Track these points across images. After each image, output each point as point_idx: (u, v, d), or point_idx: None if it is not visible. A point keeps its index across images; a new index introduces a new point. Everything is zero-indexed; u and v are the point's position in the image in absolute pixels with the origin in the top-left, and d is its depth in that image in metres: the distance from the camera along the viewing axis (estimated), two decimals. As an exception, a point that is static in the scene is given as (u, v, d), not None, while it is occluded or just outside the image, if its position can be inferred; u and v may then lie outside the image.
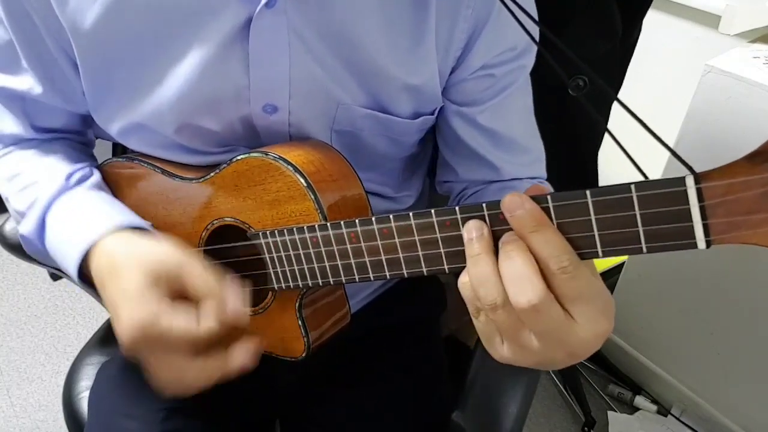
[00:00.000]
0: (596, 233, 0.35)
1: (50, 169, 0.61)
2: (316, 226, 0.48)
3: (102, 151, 0.72)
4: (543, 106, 0.70)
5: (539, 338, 0.37)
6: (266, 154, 0.53)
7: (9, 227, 0.82)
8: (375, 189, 0.68)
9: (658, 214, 0.33)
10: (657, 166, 1.09)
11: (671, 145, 0.36)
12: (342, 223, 0.46)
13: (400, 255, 0.43)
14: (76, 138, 0.68)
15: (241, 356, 0.49)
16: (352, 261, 0.47)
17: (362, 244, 0.45)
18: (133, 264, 0.48)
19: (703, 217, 0.32)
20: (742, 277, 1.15)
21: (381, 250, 0.44)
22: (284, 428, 0.77)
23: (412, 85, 0.59)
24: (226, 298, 0.47)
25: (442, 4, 0.56)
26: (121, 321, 0.47)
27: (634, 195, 0.34)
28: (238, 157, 0.54)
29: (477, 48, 0.59)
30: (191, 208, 0.59)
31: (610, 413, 1.43)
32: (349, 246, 0.46)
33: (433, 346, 0.80)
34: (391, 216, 0.43)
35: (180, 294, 0.48)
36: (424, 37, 0.57)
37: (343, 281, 0.48)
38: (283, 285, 0.53)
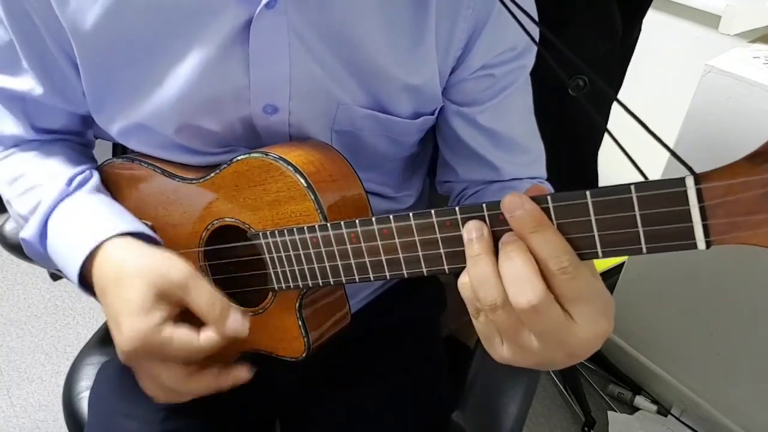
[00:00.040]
0: (596, 234, 0.35)
1: (51, 172, 0.61)
2: (316, 226, 0.48)
3: (102, 151, 0.72)
4: (543, 106, 0.70)
5: (539, 339, 0.37)
6: (266, 155, 0.53)
7: (9, 227, 0.82)
8: (375, 189, 0.68)
9: (658, 215, 0.33)
10: (657, 166, 1.09)
11: (671, 145, 0.36)
12: (342, 223, 0.46)
13: (400, 255, 0.43)
14: (75, 139, 0.68)
15: (234, 377, 0.52)
16: (352, 261, 0.47)
17: (362, 244, 0.45)
18: (140, 275, 0.49)
19: (703, 217, 0.32)
20: (742, 277, 1.15)
21: (381, 251, 0.44)
22: (284, 428, 0.77)
23: (412, 85, 0.59)
24: (227, 317, 0.49)
25: (442, 4, 0.56)
26: (122, 331, 0.48)
27: (634, 195, 0.34)
28: (238, 158, 0.54)
29: (477, 48, 0.59)
30: (191, 209, 0.59)
31: (610, 413, 1.43)
32: (349, 246, 0.46)
33: (433, 346, 0.80)
34: (391, 216, 0.43)
35: (182, 308, 0.49)
36: (424, 37, 0.57)
37: (343, 281, 0.49)
38: (283, 285, 0.53)
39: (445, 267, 0.42)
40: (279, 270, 0.53)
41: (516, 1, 0.45)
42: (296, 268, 0.51)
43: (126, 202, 0.62)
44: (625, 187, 0.34)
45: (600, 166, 1.15)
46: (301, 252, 0.50)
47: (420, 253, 0.42)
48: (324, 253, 0.48)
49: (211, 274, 0.61)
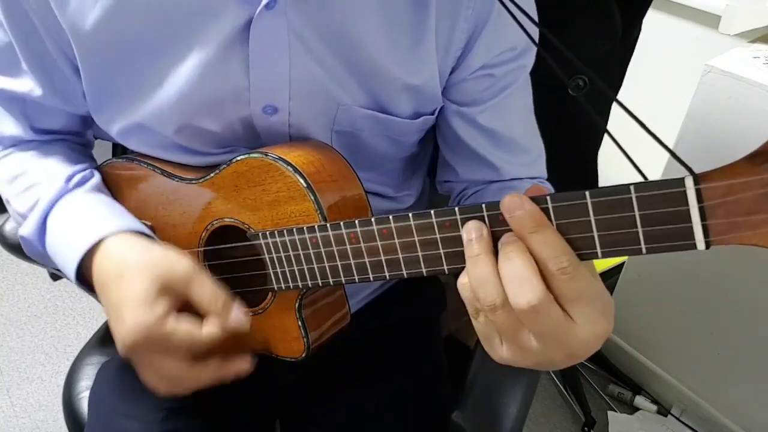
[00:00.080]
0: (596, 234, 0.35)
1: (50, 171, 0.61)
2: (316, 226, 0.48)
3: (102, 151, 0.72)
4: (543, 106, 0.70)
5: (539, 339, 0.37)
6: (266, 155, 0.53)
7: (9, 227, 0.82)
8: (375, 189, 0.68)
9: (657, 215, 0.33)
10: (657, 166, 1.09)
11: (671, 145, 0.36)
12: (342, 223, 0.46)
13: (400, 256, 0.43)
14: (75, 139, 0.68)
15: (236, 367, 0.52)
16: (352, 262, 0.47)
17: (362, 244, 0.45)
18: (142, 269, 0.49)
19: (703, 218, 0.32)
20: (742, 277, 1.15)
21: (380, 251, 0.44)
22: (284, 428, 0.77)
23: (412, 85, 0.59)
24: (229, 310, 0.49)
25: (442, 4, 0.56)
26: (125, 322, 0.48)
27: (634, 196, 0.34)
28: (238, 158, 0.54)
29: (477, 48, 0.59)
30: (191, 209, 0.59)
31: (610, 413, 1.43)
32: (348, 247, 0.46)
33: (433, 346, 0.80)
34: (390, 217, 0.43)
35: (184, 303, 0.49)
36: (424, 37, 0.57)
37: (343, 282, 0.49)
38: (282, 285, 0.53)
39: (445, 267, 0.42)
40: (278, 270, 0.53)
41: (516, 2, 0.45)
42: (296, 268, 0.51)
43: (126, 202, 0.62)
44: (624, 188, 0.34)
45: (600, 166, 1.15)
46: (301, 252, 0.50)
47: (419, 254, 0.42)
48: (323, 254, 0.48)
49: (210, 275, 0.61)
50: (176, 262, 0.50)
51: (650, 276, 1.34)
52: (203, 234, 0.59)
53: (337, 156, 0.56)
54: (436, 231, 0.41)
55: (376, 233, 0.44)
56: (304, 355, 0.57)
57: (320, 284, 0.50)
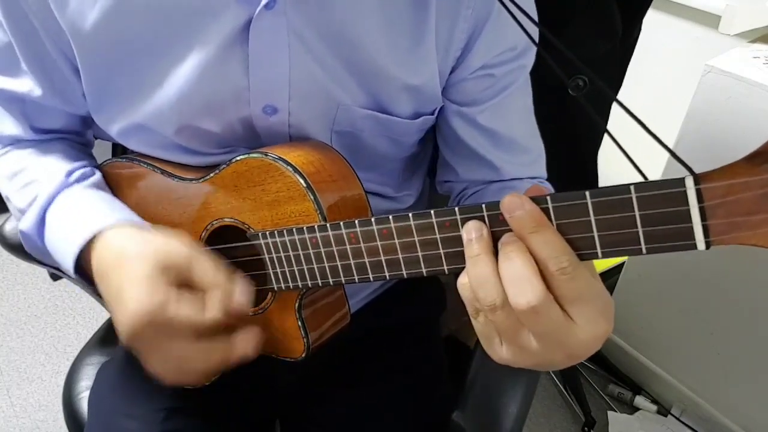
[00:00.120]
0: (596, 234, 0.35)
1: (50, 166, 0.61)
2: (316, 226, 0.48)
3: (102, 151, 0.72)
4: (543, 106, 0.70)
5: (538, 339, 0.37)
6: (266, 155, 0.53)
7: (9, 227, 0.82)
8: (375, 189, 0.68)
9: (657, 215, 0.33)
10: (657, 166, 1.09)
11: (671, 145, 0.36)
12: (341, 223, 0.46)
13: (400, 256, 0.43)
14: (75, 138, 0.68)
15: (243, 344, 0.49)
16: (352, 262, 0.47)
17: (362, 244, 0.45)
18: (143, 256, 0.48)
19: (703, 218, 0.32)
20: (742, 277, 1.15)
21: (380, 251, 0.44)
22: (284, 428, 0.77)
23: (412, 85, 0.59)
24: (233, 289, 0.48)
25: (442, 4, 0.56)
26: (127, 307, 0.46)
27: (634, 196, 0.34)
28: (238, 158, 0.54)
29: (477, 48, 0.59)
30: (191, 209, 0.59)
31: (610, 413, 1.43)
32: (348, 247, 0.46)
33: (433, 346, 0.80)
34: (390, 217, 0.43)
35: (186, 285, 0.48)
36: (424, 37, 0.57)
37: (343, 282, 0.48)
38: (282, 285, 0.53)
39: (445, 267, 0.42)
40: (278, 270, 0.53)
41: (516, 2, 0.45)
42: (295, 268, 0.51)
43: (125, 201, 0.62)
44: (624, 188, 0.34)
45: (600, 166, 1.15)
46: (301, 252, 0.50)
47: (419, 254, 0.42)
48: (323, 254, 0.48)
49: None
50: (177, 246, 0.49)
51: (650, 276, 1.34)
52: (203, 234, 0.59)
53: (336, 156, 0.56)
54: (436, 231, 0.41)
55: (375, 233, 0.44)
56: (303, 356, 0.57)
57: (320, 284, 0.50)
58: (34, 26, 0.54)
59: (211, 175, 0.57)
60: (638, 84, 1.21)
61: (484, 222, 0.39)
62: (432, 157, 0.76)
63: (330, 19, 0.53)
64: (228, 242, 0.59)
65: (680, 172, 0.33)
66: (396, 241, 0.43)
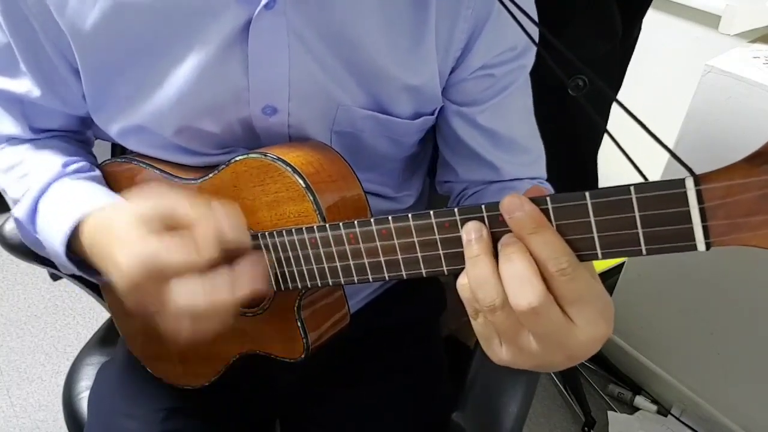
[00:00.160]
0: (595, 235, 0.35)
1: (47, 158, 0.61)
2: (315, 227, 0.48)
3: (101, 151, 0.73)
4: (543, 106, 0.70)
5: (538, 340, 0.37)
6: (265, 155, 0.53)
7: (9, 227, 0.82)
8: (375, 189, 0.68)
9: (657, 216, 0.33)
10: (657, 166, 1.09)
11: (671, 145, 0.36)
12: (341, 224, 0.46)
13: (399, 256, 0.43)
14: (74, 136, 0.68)
15: (247, 269, 0.47)
16: (351, 262, 0.46)
17: (361, 245, 0.45)
18: (124, 216, 0.47)
19: (703, 219, 0.32)
20: (742, 277, 1.14)
21: (380, 252, 0.44)
22: (284, 428, 0.77)
23: (412, 85, 0.59)
24: (222, 220, 0.46)
25: (442, 4, 0.56)
26: (121, 269, 0.45)
27: (634, 197, 0.33)
28: (237, 158, 0.54)
29: (477, 48, 0.59)
30: (190, 209, 0.59)
31: (610, 413, 1.43)
32: (347, 247, 0.46)
33: (432, 346, 0.80)
34: (389, 217, 0.43)
35: (175, 228, 0.46)
36: (424, 37, 0.56)
37: (342, 282, 0.48)
38: (281, 286, 0.53)
39: (444, 268, 0.42)
40: (277, 271, 0.53)
41: (516, 2, 0.45)
42: (295, 269, 0.51)
43: (125, 202, 0.62)
44: (624, 188, 0.34)
45: (600, 167, 1.15)
46: (300, 253, 0.50)
47: (419, 254, 0.42)
48: (323, 254, 0.48)
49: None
50: (155, 199, 0.48)
51: (650, 276, 1.34)
52: (203, 234, 0.59)
53: (336, 156, 0.56)
54: (436, 232, 0.41)
55: (375, 234, 0.44)
56: (303, 356, 0.57)
57: (319, 285, 0.50)
58: (33, 28, 0.54)
59: (210, 175, 0.57)
60: (638, 84, 1.21)
61: (484, 223, 0.38)
62: (432, 157, 0.76)
63: (330, 19, 0.53)
64: (227, 242, 0.58)
65: (680, 172, 0.33)
66: (395, 241, 0.43)
